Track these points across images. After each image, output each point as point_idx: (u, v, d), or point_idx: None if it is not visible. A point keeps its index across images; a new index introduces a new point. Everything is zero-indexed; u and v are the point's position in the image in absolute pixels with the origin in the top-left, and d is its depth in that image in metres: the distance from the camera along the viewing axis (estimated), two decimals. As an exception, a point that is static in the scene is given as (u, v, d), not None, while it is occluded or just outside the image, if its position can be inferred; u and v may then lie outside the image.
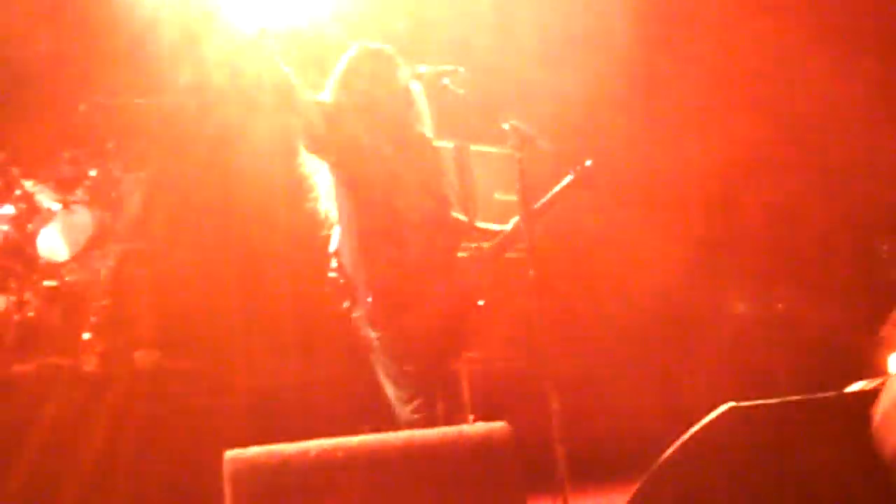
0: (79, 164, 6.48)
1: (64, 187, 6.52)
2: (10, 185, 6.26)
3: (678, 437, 3.45)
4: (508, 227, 4.36)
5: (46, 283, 6.23)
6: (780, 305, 8.55)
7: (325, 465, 2.88)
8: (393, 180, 4.14)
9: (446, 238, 4.29)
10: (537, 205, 4.32)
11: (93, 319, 6.02)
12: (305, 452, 2.91)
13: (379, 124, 4.19)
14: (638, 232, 7.99)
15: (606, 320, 8.68)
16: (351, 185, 4.16)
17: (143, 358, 5.93)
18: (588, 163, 4.39)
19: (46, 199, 6.33)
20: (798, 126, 7.73)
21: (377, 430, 3.57)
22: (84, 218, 6.39)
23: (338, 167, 4.18)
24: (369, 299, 4.07)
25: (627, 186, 7.77)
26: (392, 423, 3.95)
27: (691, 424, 3.43)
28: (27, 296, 6.16)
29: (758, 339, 8.36)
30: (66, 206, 6.34)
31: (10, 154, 6.29)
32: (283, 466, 2.86)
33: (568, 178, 4.40)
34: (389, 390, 4.13)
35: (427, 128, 4.35)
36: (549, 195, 4.38)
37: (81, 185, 6.48)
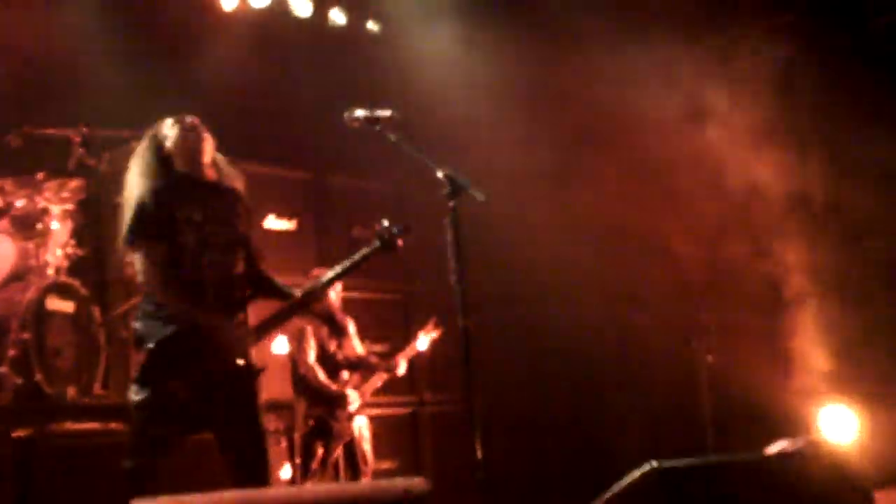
0: (6, 193, 6.33)
1: (-11, 216, 6.39)
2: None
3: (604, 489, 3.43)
4: (298, 293, 4.60)
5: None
6: (710, 357, 8.62)
7: (237, 518, 2.80)
8: (202, 244, 4.35)
9: (238, 295, 4.46)
10: (342, 269, 4.74)
11: (11, 353, 5.85)
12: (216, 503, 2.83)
13: (189, 195, 4.42)
14: (568, 277, 8.06)
15: (538, 367, 8.74)
16: (162, 257, 4.33)
17: (60, 393, 5.78)
18: (394, 228, 4.81)
19: (-31, 227, 6.20)
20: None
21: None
22: (6, 248, 6.24)
23: (155, 245, 4.35)
24: (150, 345, 4.24)
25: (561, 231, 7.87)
26: None
27: (619, 476, 3.41)
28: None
29: (688, 389, 8.44)
30: (-11, 235, 6.20)
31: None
32: (192, 518, 2.78)
33: (375, 245, 4.77)
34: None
35: (233, 177, 4.62)
36: (356, 259, 4.76)
37: (7, 215, 6.34)
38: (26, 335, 5.83)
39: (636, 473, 3.34)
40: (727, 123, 7.47)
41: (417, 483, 2.90)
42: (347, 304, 7.37)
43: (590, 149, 7.93)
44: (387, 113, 4.49)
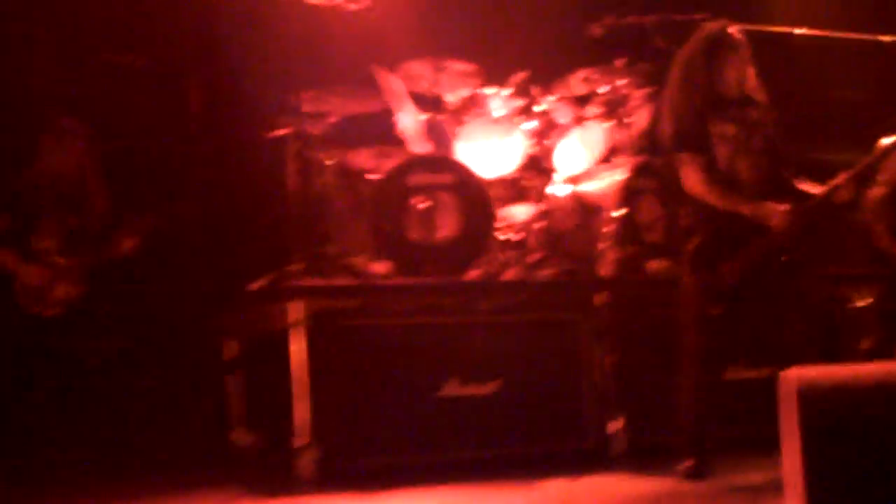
0: (591, 81, 6.86)
1: (577, 104, 6.96)
2: (531, 103, 6.78)
3: None
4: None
5: (563, 194, 6.72)
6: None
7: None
8: (736, 152, 4.75)
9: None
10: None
11: (606, 229, 6.40)
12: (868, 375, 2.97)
13: (724, 110, 4.79)
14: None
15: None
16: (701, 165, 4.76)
17: (655, 267, 6.24)
18: None
19: (563, 115, 6.80)
20: None
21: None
22: (596, 133, 6.77)
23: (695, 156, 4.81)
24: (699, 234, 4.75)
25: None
26: None
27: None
28: (545, 206, 6.69)
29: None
30: (579, 121, 6.77)
31: (531, 74, 6.79)
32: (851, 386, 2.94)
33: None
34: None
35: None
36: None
37: (592, 102, 6.88)
38: (621, 212, 6.36)
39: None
40: None
41: None
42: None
43: None
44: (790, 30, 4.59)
